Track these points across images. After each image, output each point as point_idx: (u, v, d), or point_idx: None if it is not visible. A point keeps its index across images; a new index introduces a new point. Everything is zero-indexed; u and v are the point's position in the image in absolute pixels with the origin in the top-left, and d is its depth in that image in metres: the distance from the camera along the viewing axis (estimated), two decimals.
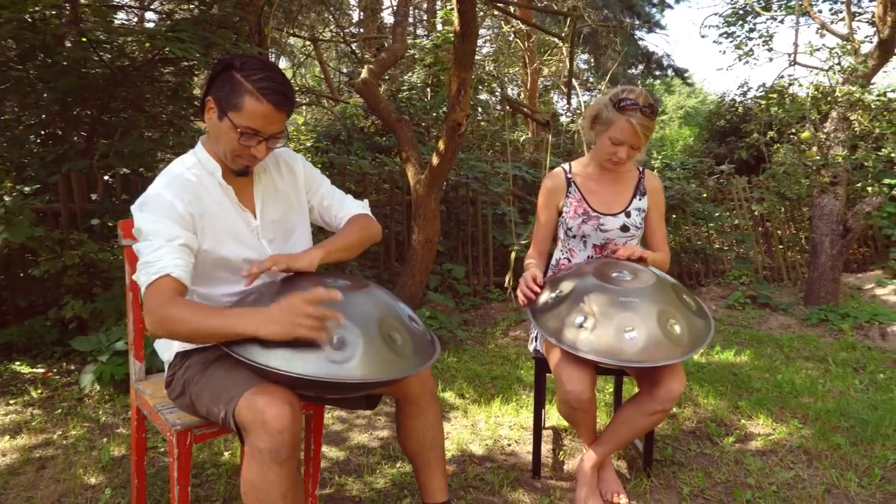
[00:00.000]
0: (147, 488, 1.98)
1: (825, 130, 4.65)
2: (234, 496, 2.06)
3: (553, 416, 2.70)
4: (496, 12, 7.12)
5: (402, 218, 5.15)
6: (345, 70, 12.83)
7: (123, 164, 4.42)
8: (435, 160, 3.99)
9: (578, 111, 5.50)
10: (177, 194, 1.47)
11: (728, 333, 4.27)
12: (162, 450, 2.40)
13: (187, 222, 1.46)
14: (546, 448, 2.43)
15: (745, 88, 10.89)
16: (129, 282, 1.80)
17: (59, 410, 2.77)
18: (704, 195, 6.32)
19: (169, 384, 1.63)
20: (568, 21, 5.03)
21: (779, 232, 6.59)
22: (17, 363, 3.47)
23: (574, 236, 2.15)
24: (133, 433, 1.84)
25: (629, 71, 16.75)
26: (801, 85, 4.62)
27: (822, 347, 3.86)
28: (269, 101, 1.43)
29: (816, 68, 4.82)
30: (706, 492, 2.10)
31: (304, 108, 11.10)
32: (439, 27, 9.25)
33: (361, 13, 11.85)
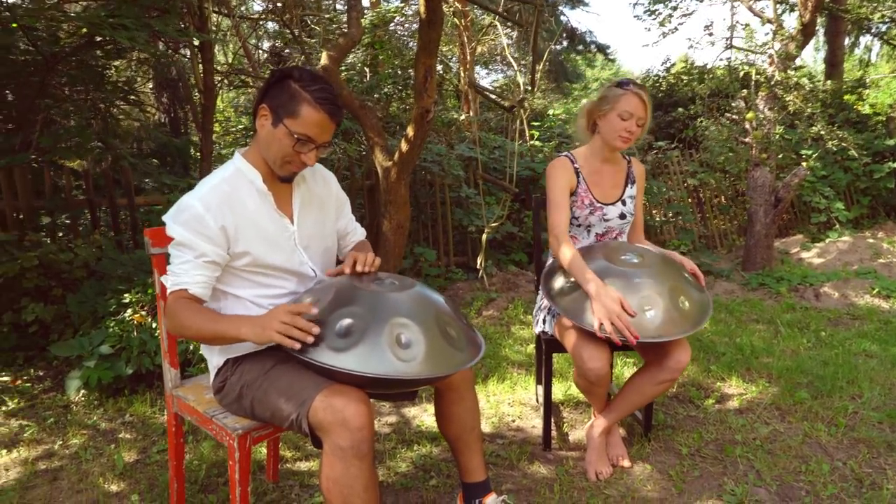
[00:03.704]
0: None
1: (760, 108, 5.01)
2: (266, 490, 2.10)
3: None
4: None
5: (364, 202, 5.16)
6: (265, 46, 12.44)
7: (71, 154, 4.20)
8: (404, 147, 4.03)
9: (526, 90, 5.64)
10: (209, 208, 1.52)
11: None
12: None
13: (217, 236, 1.52)
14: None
15: (669, 64, 11.38)
16: (159, 289, 1.79)
17: (50, 420, 2.68)
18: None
19: (220, 390, 1.66)
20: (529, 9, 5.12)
21: (714, 201, 7.03)
22: None
23: (580, 225, 2.28)
24: (171, 439, 1.84)
25: (554, 46, 17.12)
26: (740, 67, 4.95)
27: (766, 310, 4.23)
28: (325, 111, 1.50)
29: (749, 51, 5.17)
30: (702, 450, 2.32)
31: (228, 89, 10.70)
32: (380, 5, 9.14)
33: None
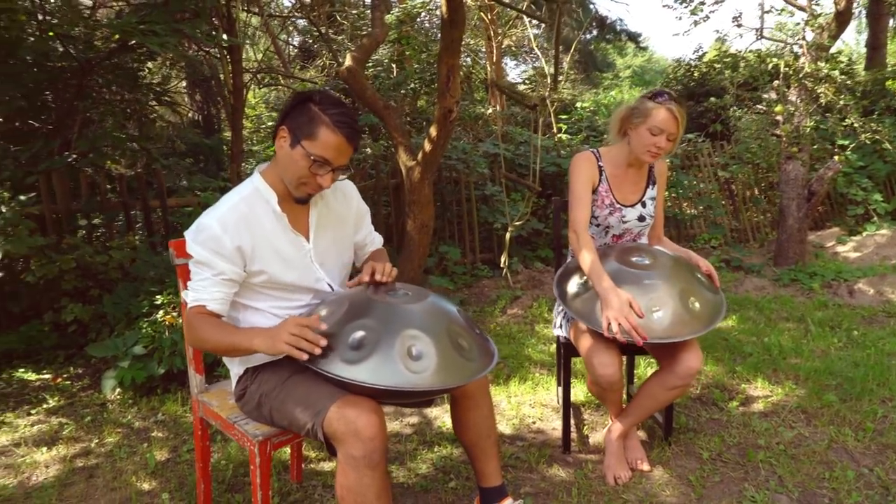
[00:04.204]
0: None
1: (790, 99, 4.89)
2: (289, 490, 2.16)
3: (571, 392, 2.87)
4: None
5: (390, 201, 5.21)
6: (295, 42, 12.57)
7: (104, 159, 4.33)
8: (427, 147, 4.05)
9: (550, 84, 5.60)
10: (226, 228, 1.57)
11: None
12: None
13: (234, 256, 1.58)
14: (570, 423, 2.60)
15: (700, 52, 11.14)
16: (183, 297, 1.85)
17: (88, 418, 2.79)
18: (670, 162, 6.56)
19: (241, 397, 1.72)
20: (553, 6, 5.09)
21: (744, 195, 6.89)
22: (21, 370, 3.45)
23: (598, 225, 2.28)
24: (197, 442, 1.91)
25: (583, 36, 16.89)
26: (768, 58, 4.83)
27: (797, 308, 4.15)
28: (343, 134, 1.53)
29: (780, 41, 5.03)
30: (723, 455, 2.30)
31: (258, 86, 10.85)
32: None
33: None
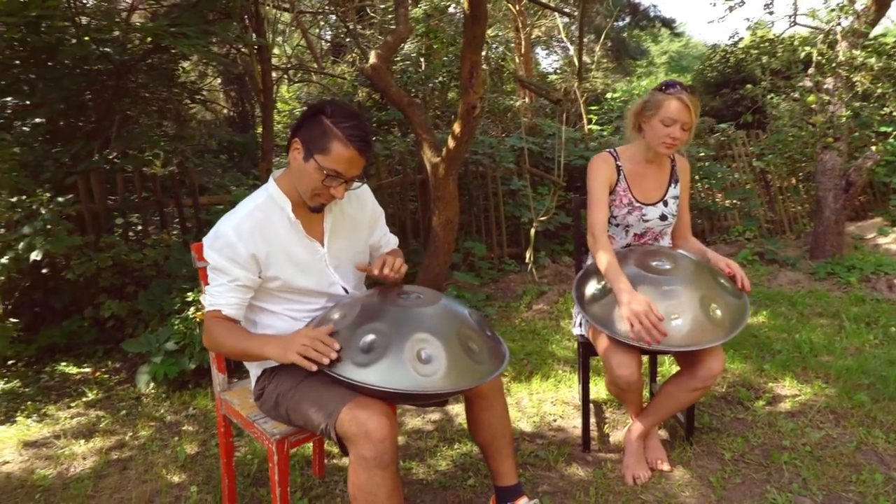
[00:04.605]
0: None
1: (826, 87, 4.73)
2: (312, 485, 2.22)
3: (593, 389, 2.86)
4: None
5: (416, 196, 5.24)
6: (327, 37, 12.66)
7: (140, 161, 4.46)
8: (451, 143, 4.06)
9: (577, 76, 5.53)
10: (241, 235, 1.62)
11: None
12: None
13: (248, 263, 1.63)
14: (591, 422, 2.59)
15: (737, 38, 10.86)
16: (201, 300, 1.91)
17: (123, 412, 2.91)
18: (702, 153, 6.42)
19: (259, 397, 1.77)
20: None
21: (780, 185, 6.71)
22: (63, 363, 3.60)
23: (618, 225, 2.26)
24: (220, 438, 1.98)
25: (615, 23, 16.59)
26: (800, 46, 4.69)
27: (833, 302, 4.04)
28: (355, 147, 1.56)
29: (816, 28, 4.87)
30: (746, 456, 2.27)
31: (290, 83, 10.97)
32: None
33: None
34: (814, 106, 4.69)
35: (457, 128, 3.99)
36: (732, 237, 6.06)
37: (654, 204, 2.24)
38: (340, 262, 1.79)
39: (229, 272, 1.62)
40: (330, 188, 1.60)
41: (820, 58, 4.41)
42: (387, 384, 1.44)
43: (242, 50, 7.66)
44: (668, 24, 16.82)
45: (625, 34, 17.40)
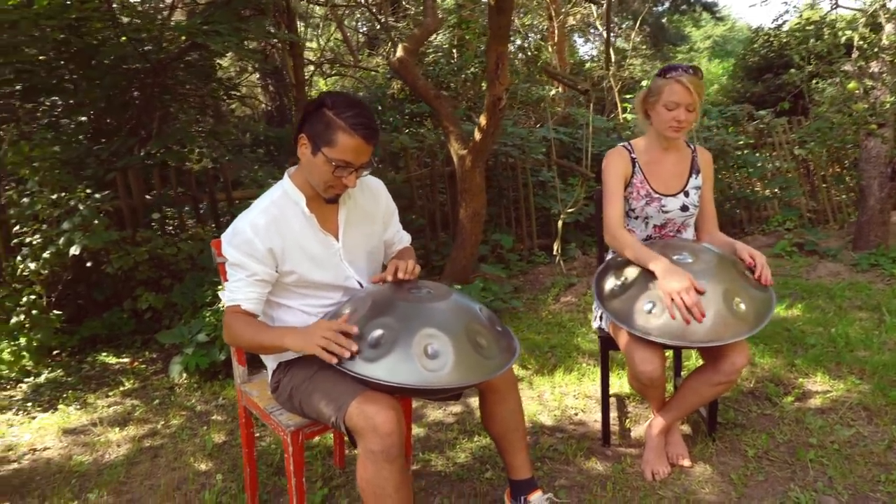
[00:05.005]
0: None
1: (871, 72, 4.54)
2: (332, 475, 2.26)
3: (615, 384, 2.84)
4: None
5: (445, 188, 5.25)
6: (363, 30, 12.74)
7: (179, 157, 4.58)
8: (477, 135, 4.05)
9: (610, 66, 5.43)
10: (258, 231, 1.65)
11: (777, 285, 4.30)
12: (258, 436, 2.62)
13: (266, 258, 1.66)
14: (612, 415, 2.58)
15: (780, 21, 10.49)
16: (221, 295, 1.96)
17: (156, 401, 3.01)
18: (741, 142, 6.23)
19: (275, 389, 1.81)
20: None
21: (822, 173, 6.48)
22: (104, 354, 3.74)
23: (636, 217, 2.23)
24: (242, 429, 2.03)
25: (654, 8, 16.19)
26: (840, 31, 4.50)
27: (874, 295, 3.89)
28: (361, 136, 1.57)
29: (859, 10, 4.66)
30: (770, 453, 2.22)
31: (325, 77, 11.07)
32: None
33: None
34: (856, 92, 4.50)
35: (483, 120, 3.98)
36: (772, 227, 5.90)
37: (674, 195, 2.20)
38: (355, 257, 1.81)
39: (247, 267, 1.66)
40: (342, 178, 1.62)
41: (862, 42, 4.23)
42: (394, 379, 1.46)
43: (277, 45, 7.78)
44: (709, 7, 16.31)
45: (664, 19, 16.97)
